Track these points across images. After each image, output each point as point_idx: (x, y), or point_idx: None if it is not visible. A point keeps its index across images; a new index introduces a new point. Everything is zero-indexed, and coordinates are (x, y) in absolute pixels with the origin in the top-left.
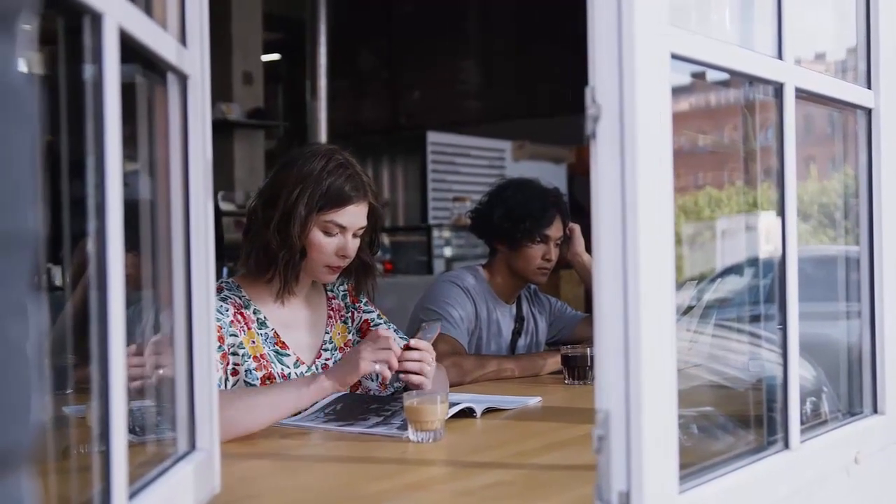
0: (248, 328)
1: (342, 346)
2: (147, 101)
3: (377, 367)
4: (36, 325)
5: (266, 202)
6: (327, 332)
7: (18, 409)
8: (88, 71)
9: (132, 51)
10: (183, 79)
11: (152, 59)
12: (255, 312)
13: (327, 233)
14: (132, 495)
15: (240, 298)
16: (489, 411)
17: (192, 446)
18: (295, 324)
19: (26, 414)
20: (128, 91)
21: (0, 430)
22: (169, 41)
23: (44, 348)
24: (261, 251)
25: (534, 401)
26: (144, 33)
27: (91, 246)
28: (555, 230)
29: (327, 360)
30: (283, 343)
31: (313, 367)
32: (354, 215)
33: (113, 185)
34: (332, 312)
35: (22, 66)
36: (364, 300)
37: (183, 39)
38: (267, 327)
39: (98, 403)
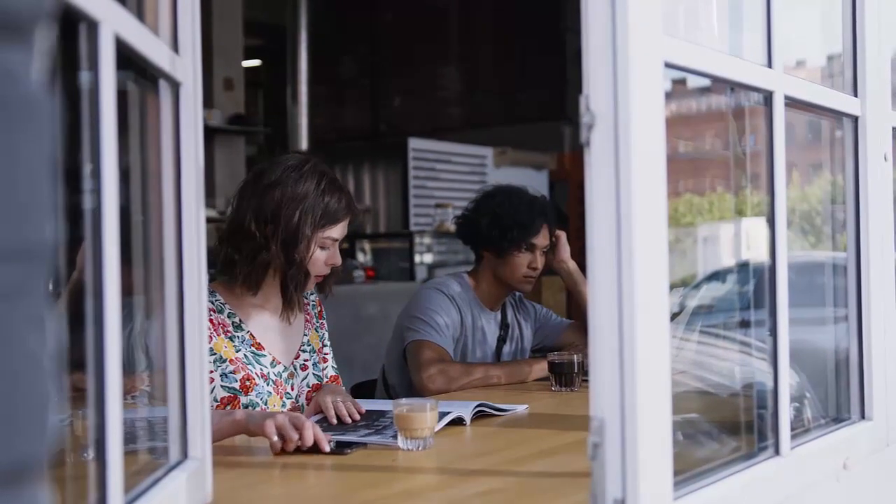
0: (219, 333)
1: (318, 349)
2: (139, 107)
3: (275, 437)
4: (53, 336)
5: (259, 220)
6: (305, 335)
7: (37, 420)
8: (84, 77)
9: (125, 57)
10: (175, 86)
11: (146, 66)
12: (229, 316)
13: (323, 247)
14: None
15: (213, 303)
16: (480, 416)
17: (185, 455)
18: (273, 327)
19: (44, 425)
20: (119, 98)
21: (19, 441)
22: (162, 48)
23: (60, 359)
24: (261, 269)
25: (522, 408)
26: (139, 41)
27: (88, 253)
28: (542, 239)
29: (305, 360)
30: (260, 344)
31: (291, 367)
32: (344, 227)
33: (109, 192)
34: (308, 317)
35: (39, 77)
36: (323, 319)
37: (175, 47)
38: (243, 330)
39: (94, 413)
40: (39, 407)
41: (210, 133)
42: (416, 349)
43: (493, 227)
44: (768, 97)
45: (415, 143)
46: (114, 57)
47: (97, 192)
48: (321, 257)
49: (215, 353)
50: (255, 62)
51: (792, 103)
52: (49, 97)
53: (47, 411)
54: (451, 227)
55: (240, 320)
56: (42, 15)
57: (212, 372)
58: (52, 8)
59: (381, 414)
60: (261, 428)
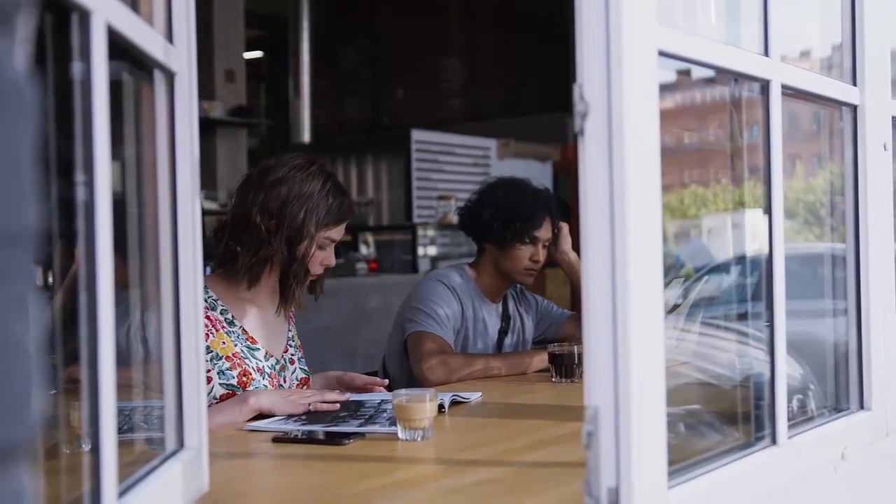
0: (217, 329)
1: (299, 346)
2: (133, 98)
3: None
4: (37, 321)
5: (264, 214)
6: (290, 330)
7: (21, 404)
8: (76, 68)
9: (119, 48)
10: (170, 76)
11: (139, 56)
12: (222, 312)
13: (321, 247)
14: (121, 493)
15: (206, 301)
16: (454, 404)
17: (181, 444)
18: (261, 321)
19: (28, 409)
20: (113, 88)
21: (3, 425)
22: (156, 38)
23: (44, 344)
24: (262, 263)
25: (476, 395)
26: (132, 30)
27: (81, 245)
28: (544, 232)
29: (292, 355)
30: (253, 338)
31: (282, 360)
32: (343, 230)
33: (102, 184)
34: (291, 314)
35: (21, 63)
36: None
37: (170, 37)
38: (235, 325)
39: (88, 403)
40: (23, 391)
41: (212, 125)
42: (416, 340)
43: (495, 219)
44: (765, 86)
45: (417, 135)
46: (106, 47)
47: (90, 184)
48: (318, 257)
49: (212, 351)
50: (257, 53)
51: (789, 92)
52: (31, 84)
53: (31, 396)
54: (455, 219)
55: (232, 316)
56: (24, 1)
57: (209, 371)
58: None
59: (361, 404)
60: (288, 411)
